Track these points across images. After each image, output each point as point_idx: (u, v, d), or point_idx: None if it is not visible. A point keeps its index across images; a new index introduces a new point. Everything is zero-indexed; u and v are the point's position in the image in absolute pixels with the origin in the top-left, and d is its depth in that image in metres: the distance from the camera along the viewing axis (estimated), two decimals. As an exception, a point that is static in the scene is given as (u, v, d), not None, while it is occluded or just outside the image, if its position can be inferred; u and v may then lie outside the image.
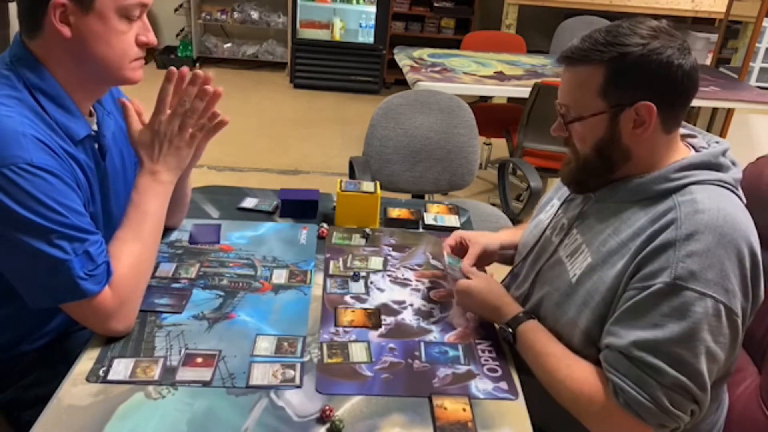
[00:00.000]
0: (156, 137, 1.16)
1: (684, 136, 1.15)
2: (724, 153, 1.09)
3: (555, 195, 1.33)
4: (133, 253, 1.12)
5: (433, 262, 1.45)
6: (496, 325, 1.22)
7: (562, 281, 1.14)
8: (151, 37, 1.14)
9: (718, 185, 1.04)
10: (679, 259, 0.97)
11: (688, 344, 0.95)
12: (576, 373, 1.05)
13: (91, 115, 1.22)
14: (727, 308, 0.96)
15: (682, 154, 1.09)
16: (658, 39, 1.00)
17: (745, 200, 1.07)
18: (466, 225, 1.64)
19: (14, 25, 3.90)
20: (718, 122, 3.74)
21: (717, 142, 1.13)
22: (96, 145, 1.21)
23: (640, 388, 0.97)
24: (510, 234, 1.46)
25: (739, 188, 1.08)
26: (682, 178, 1.04)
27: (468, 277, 1.27)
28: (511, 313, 1.17)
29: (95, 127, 1.21)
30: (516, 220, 2.39)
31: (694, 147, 1.13)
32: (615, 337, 1.01)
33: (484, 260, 1.40)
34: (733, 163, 1.10)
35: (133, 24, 1.11)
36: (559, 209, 1.26)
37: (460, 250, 1.40)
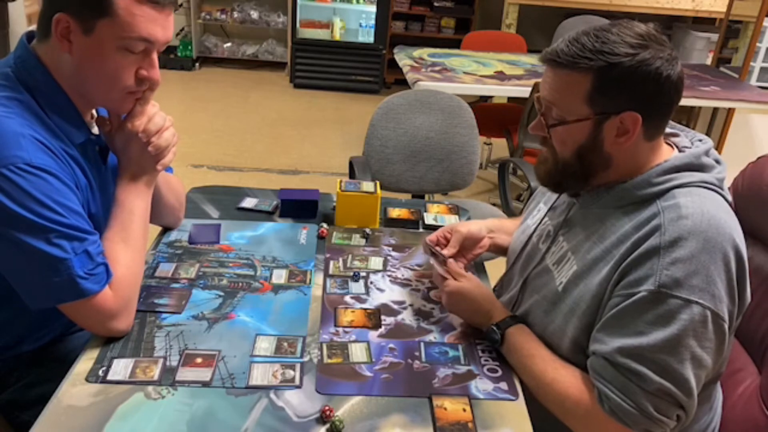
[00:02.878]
0: (130, 142, 1.17)
1: (667, 135, 1.13)
2: (707, 152, 1.08)
3: (542, 199, 1.32)
4: (127, 254, 1.13)
5: (433, 261, 1.45)
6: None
7: (549, 289, 1.14)
8: (152, 74, 1.10)
9: (701, 187, 1.03)
10: (663, 266, 0.96)
11: (673, 350, 0.95)
12: (563, 377, 1.05)
13: (92, 118, 1.22)
14: (714, 313, 0.96)
15: (665, 155, 1.08)
16: (648, 49, 0.99)
17: (730, 198, 1.06)
18: (466, 225, 1.64)
19: (14, 25, 3.91)
20: (719, 122, 3.74)
21: (700, 140, 1.12)
22: (97, 148, 1.21)
23: (625, 395, 0.97)
24: (498, 222, 1.44)
25: (724, 187, 1.07)
26: (665, 182, 1.04)
27: (455, 279, 1.24)
28: (500, 316, 1.17)
29: (96, 131, 1.21)
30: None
31: (677, 146, 1.12)
32: (600, 344, 1.01)
33: (470, 248, 1.37)
34: (717, 162, 1.09)
35: (134, 57, 1.07)
36: (545, 215, 1.25)
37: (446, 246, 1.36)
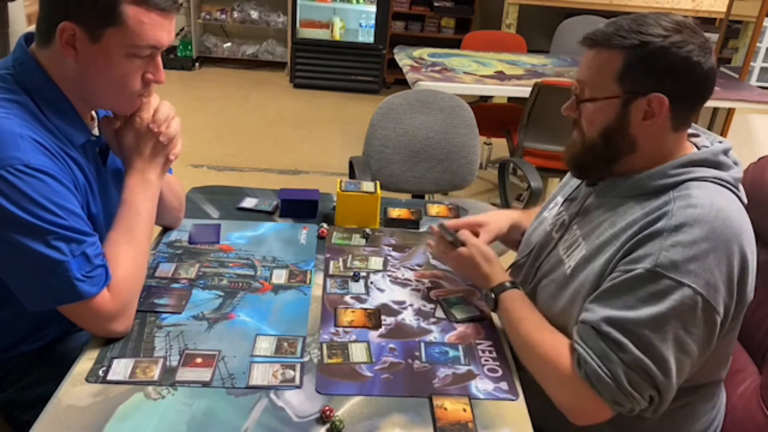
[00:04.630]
0: (143, 136, 1.17)
1: (688, 135, 1.15)
2: (725, 152, 1.10)
3: (559, 192, 1.34)
4: (129, 256, 1.13)
5: (433, 262, 1.45)
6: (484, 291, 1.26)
7: (558, 273, 1.15)
8: (158, 77, 1.12)
9: (716, 183, 1.05)
10: (664, 247, 0.98)
11: (657, 328, 0.96)
12: (546, 341, 1.08)
13: (92, 119, 1.22)
14: (705, 301, 0.96)
15: (686, 151, 1.10)
16: (681, 33, 1.01)
17: (745, 200, 1.07)
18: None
19: (14, 25, 3.90)
20: (719, 122, 3.74)
21: (720, 142, 1.13)
22: (97, 149, 1.21)
23: (602, 362, 0.98)
24: (521, 216, 1.46)
25: (740, 188, 1.08)
26: (679, 175, 1.05)
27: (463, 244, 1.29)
28: (498, 280, 1.22)
29: (96, 132, 1.21)
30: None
31: (696, 146, 1.13)
32: (589, 313, 1.03)
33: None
34: (735, 163, 1.10)
35: (140, 61, 1.08)
36: (561, 207, 1.27)
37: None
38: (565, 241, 1.18)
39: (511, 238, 1.43)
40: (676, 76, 1.02)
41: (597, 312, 1.01)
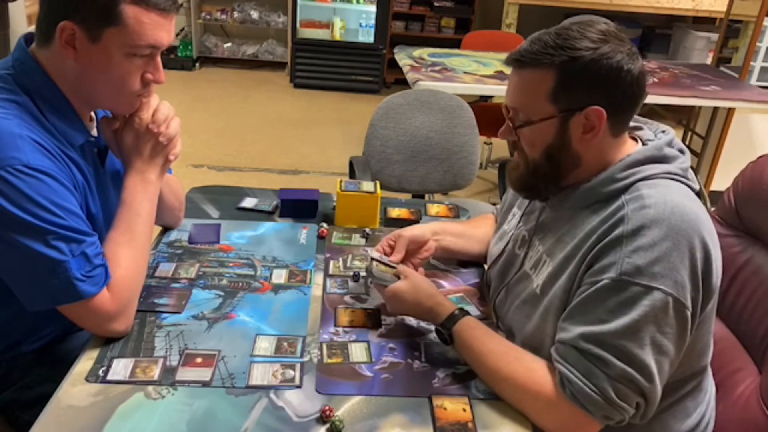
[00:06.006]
0: (142, 137, 1.17)
1: (630, 129, 1.13)
2: (669, 143, 1.09)
3: (515, 202, 1.32)
4: (129, 256, 1.13)
5: (434, 262, 1.45)
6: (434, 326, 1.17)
7: (527, 293, 1.14)
8: (158, 77, 1.12)
9: (665, 178, 1.04)
10: (626, 254, 0.97)
11: (634, 336, 0.96)
12: (519, 373, 1.04)
13: (91, 120, 1.22)
14: (675, 300, 0.96)
15: (629, 149, 1.09)
16: (608, 43, 1.00)
17: (697, 187, 1.07)
18: (466, 225, 1.64)
19: (14, 25, 3.90)
20: (719, 122, 3.73)
21: (663, 132, 1.13)
22: (96, 150, 1.21)
23: (588, 379, 0.97)
24: (441, 224, 1.41)
25: (689, 177, 1.07)
26: (628, 177, 1.04)
27: (399, 278, 1.20)
28: (445, 313, 1.13)
29: (95, 132, 1.22)
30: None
31: (641, 139, 1.12)
32: (564, 332, 1.02)
33: (416, 252, 1.33)
34: (681, 152, 1.09)
35: (140, 61, 1.09)
36: (519, 221, 1.25)
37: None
38: (530, 259, 1.17)
39: (439, 245, 1.37)
40: (609, 87, 1.01)
41: (572, 330, 1.00)
